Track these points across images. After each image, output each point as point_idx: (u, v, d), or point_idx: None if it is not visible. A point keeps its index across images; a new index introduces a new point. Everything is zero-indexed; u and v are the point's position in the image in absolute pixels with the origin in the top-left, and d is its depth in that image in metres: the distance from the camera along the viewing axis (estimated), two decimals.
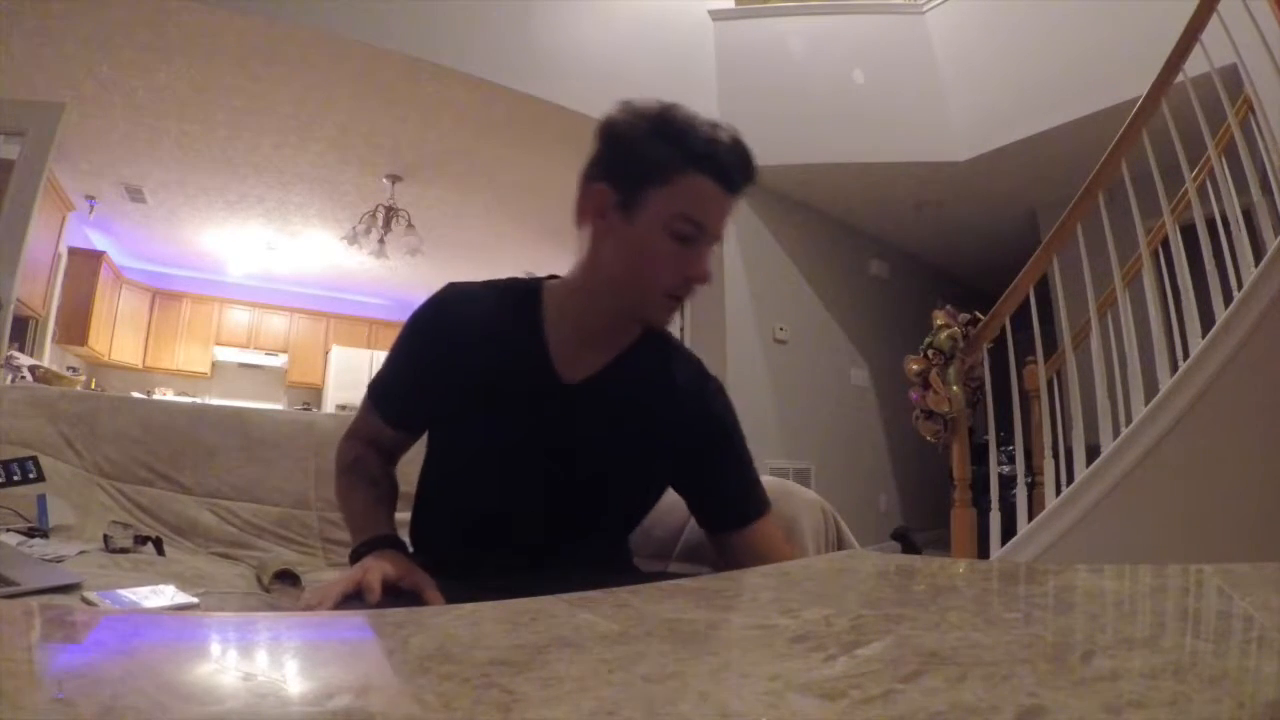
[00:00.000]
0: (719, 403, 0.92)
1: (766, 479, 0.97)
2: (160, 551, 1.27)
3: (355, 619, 0.54)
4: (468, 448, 0.86)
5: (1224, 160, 2.45)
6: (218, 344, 6.66)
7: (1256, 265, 2.20)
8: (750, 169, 0.79)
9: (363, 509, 0.86)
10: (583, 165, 0.81)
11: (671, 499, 0.94)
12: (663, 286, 0.79)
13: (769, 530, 0.90)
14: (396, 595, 0.70)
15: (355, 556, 0.79)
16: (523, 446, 0.84)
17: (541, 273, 0.93)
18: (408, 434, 0.93)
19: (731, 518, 0.89)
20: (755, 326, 4.16)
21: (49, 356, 4.89)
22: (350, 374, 6.60)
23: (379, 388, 0.91)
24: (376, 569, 0.71)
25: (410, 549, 0.84)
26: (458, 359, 0.84)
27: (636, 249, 0.78)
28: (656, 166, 0.76)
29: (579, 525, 0.87)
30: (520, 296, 0.87)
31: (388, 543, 0.79)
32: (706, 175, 0.76)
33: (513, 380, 0.84)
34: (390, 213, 4.47)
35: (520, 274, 0.93)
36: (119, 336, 5.96)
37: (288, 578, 1.22)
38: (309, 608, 0.67)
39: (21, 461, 1.19)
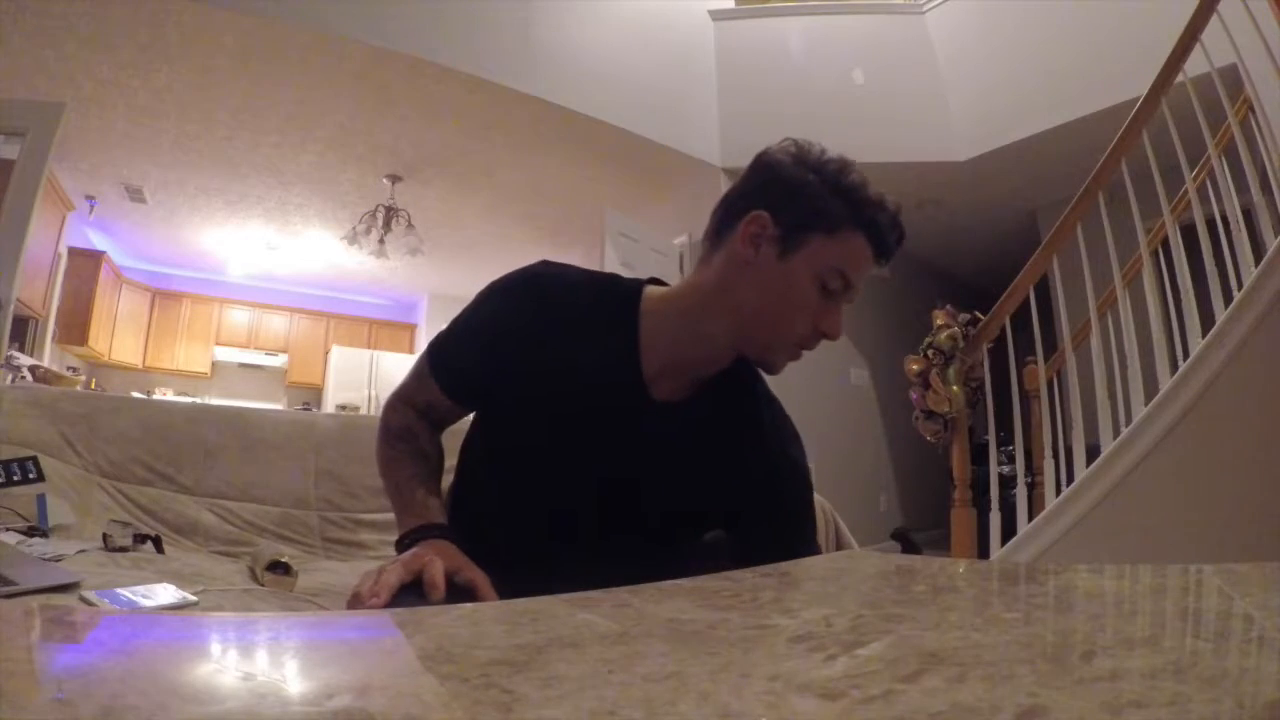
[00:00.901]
0: (797, 449, 0.90)
1: None
2: (159, 550, 1.27)
3: (356, 619, 0.54)
4: (532, 438, 0.82)
5: (1224, 160, 2.45)
6: (218, 344, 6.66)
7: (1256, 265, 2.21)
8: (900, 244, 0.81)
9: (411, 489, 0.81)
10: (732, 190, 0.81)
11: None
12: (795, 332, 0.79)
13: None
14: (450, 591, 0.67)
15: (402, 543, 0.76)
16: (595, 451, 0.81)
17: None
18: (464, 407, 0.88)
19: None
20: None
21: (49, 356, 4.89)
22: (350, 374, 6.59)
23: (443, 354, 0.84)
24: (437, 562, 0.67)
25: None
26: (542, 343, 0.80)
27: (782, 287, 0.77)
28: (827, 216, 0.76)
29: (630, 539, 0.84)
30: (619, 297, 0.83)
31: (439, 532, 0.76)
32: (867, 239, 0.78)
33: (598, 382, 0.80)
34: (390, 213, 4.47)
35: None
36: (119, 336, 5.96)
37: (280, 568, 1.22)
38: (359, 598, 0.64)
39: (21, 461, 1.19)
